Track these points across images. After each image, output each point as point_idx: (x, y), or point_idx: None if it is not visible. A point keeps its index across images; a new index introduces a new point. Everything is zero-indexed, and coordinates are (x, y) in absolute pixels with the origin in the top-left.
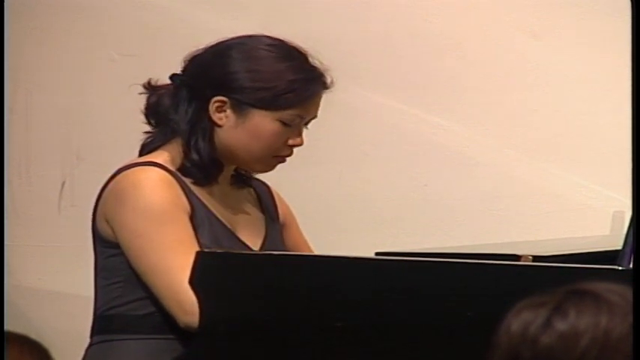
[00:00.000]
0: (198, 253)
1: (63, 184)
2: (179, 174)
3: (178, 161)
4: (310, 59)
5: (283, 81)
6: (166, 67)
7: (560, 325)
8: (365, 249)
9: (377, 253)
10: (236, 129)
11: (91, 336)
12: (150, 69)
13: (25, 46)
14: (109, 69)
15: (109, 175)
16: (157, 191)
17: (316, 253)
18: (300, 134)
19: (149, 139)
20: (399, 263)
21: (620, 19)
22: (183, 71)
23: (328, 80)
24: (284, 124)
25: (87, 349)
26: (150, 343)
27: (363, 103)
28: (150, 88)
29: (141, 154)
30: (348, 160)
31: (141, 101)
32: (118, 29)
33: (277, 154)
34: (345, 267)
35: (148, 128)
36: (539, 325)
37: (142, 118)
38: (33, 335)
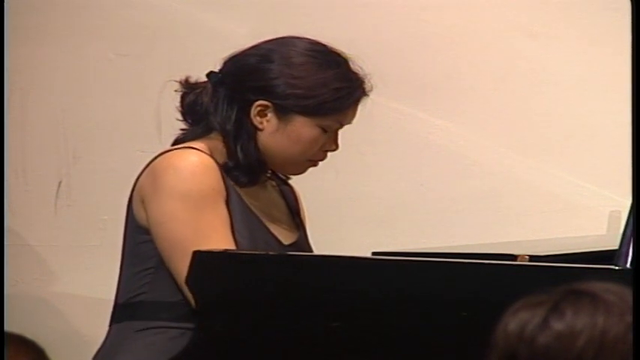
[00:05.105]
0: (194, 253)
1: (59, 183)
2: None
3: (216, 155)
4: (352, 65)
5: (328, 89)
6: (163, 67)
7: (558, 325)
8: (362, 249)
9: (373, 253)
10: (276, 133)
11: (111, 324)
12: (146, 69)
13: (21, 46)
14: (105, 69)
15: (106, 174)
16: (197, 175)
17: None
18: (336, 140)
19: (183, 135)
20: (396, 263)
21: (619, 18)
22: (220, 70)
23: (369, 86)
24: (323, 130)
25: (106, 337)
26: (172, 335)
27: (360, 103)
28: (187, 85)
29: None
30: (345, 159)
31: (137, 101)
32: (115, 29)
33: (312, 159)
34: (342, 267)
35: (143, 129)
36: (536, 324)
37: (139, 117)
38: (28, 335)
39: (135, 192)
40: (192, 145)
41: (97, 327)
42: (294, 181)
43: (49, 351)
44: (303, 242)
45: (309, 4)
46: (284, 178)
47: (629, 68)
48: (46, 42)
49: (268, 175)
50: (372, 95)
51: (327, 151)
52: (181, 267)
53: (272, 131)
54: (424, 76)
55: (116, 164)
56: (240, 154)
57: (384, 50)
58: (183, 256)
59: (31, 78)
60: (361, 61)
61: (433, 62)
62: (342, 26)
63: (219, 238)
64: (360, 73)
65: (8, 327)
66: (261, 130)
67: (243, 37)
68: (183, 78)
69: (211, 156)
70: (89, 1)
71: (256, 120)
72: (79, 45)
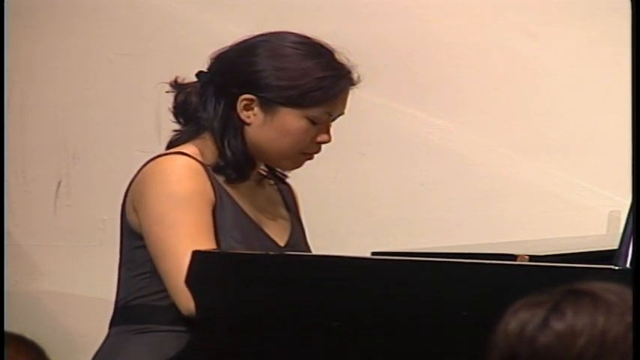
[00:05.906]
0: (194, 253)
1: (59, 183)
2: (208, 167)
3: (208, 155)
4: (337, 56)
5: (311, 79)
6: (162, 67)
7: (558, 325)
8: (361, 249)
9: (373, 253)
10: (264, 127)
11: (110, 327)
12: (146, 69)
13: (21, 45)
14: (105, 68)
15: (106, 174)
16: (183, 179)
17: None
18: (327, 131)
19: (176, 136)
20: (396, 263)
21: (619, 18)
22: (209, 69)
23: (355, 76)
24: (312, 121)
25: (105, 341)
26: (169, 336)
27: (359, 102)
28: (176, 86)
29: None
30: (345, 159)
31: (137, 101)
32: (115, 29)
33: (305, 151)
34: (342, 267)
35: (143, 129)
36: (536, 324)
37: (139, 117)
38: (28, 335)
39: (127, 198)
40: (182, 150)
41: (97, 327)
42: (294, 181)
43: (49, 351)
44: (300, 242)
45: (308, 4)
46: (282, 177)
47: (629, 68)
48: (45, 41)
49: (265, 173)
50: (372, 95)
51: (320, 143)
52: (165, 267)
53: (259, 125)
54: (424, 76)
55: (116, 164)
56: (227, 150)
57: (384, 50)
58: (165, 256)
59: (31, 78)
60: (361, 61)
61: (433, 62)
62: (343, 26)
63: (203, 240)
64: (346, 63)
65: (8, 327)
66: (248, 124)
67: (243, 37)
68: (174, 79)
69: (202, 160)
70: (89, 1)
71: (243, 114)
72: (79, 45)
